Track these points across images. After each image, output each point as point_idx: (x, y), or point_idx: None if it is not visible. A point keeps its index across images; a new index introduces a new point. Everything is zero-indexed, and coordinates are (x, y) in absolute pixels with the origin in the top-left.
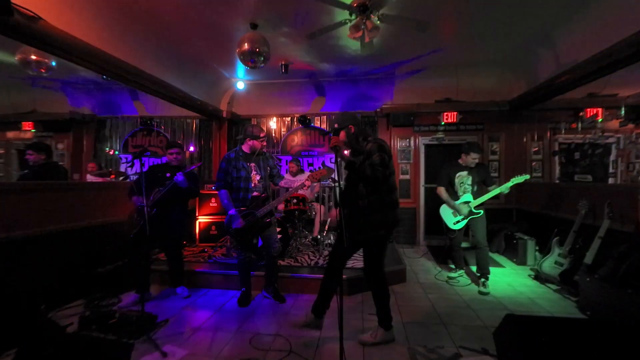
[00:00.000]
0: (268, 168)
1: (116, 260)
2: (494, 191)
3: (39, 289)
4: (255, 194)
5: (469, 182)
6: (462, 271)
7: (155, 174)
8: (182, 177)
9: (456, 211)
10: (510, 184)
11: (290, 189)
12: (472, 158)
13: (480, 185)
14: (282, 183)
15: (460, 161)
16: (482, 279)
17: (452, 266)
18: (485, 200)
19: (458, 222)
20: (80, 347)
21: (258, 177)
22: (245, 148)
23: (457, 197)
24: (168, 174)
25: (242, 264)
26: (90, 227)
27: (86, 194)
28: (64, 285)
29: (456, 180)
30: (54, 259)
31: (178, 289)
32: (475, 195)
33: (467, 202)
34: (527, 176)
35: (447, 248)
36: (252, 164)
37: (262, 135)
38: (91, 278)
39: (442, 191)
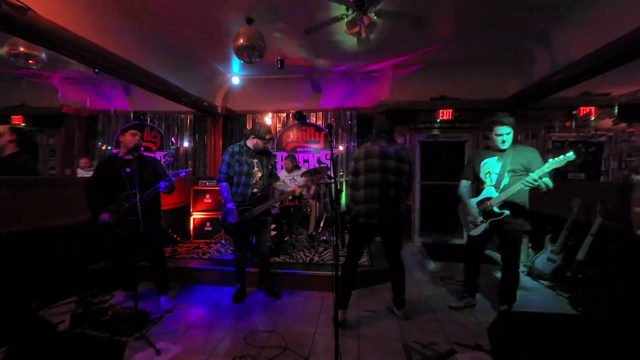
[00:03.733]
0: (269, 167)
1: (109, 257)
2: (519, 184)
3: (30, 286)
4: (255, 190)
5: (497, 170)
6: (470, 299)
7: (114, 171)
8: (165, 184)
9: (468, 212)
10: (547, 169)
11: (282, 195)
12: (497, 134)
13: (518, 176)
14: (275, 185)
15: (489, 144)
16: (506, 306)
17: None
18: (512, 197)
19: (479, 225)
20: (72, 345)
21: (259, 175)
22: (249, 144)
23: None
24: (128, 169)
25: (237, 261)
26: (82, 223)
27: (77, 190)
28: (55, 283)
29: (481, 170)
30: (46, 256)
31: (161, 298)
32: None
33: (487, 199)
34: (571, 154)
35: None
36: (256, 160)
37: (267, 137)
38: (83, 275)
39: (461, 185)
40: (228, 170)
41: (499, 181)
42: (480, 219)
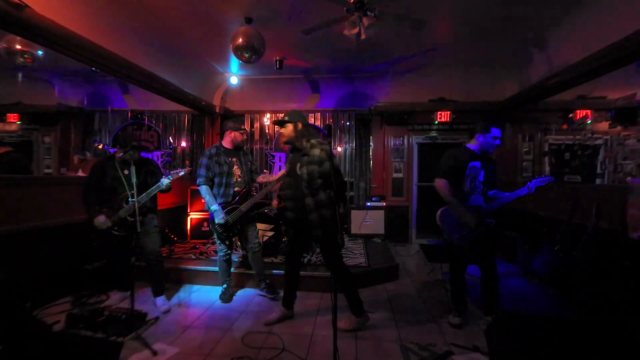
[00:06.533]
0: (248, 163)
1: (104, 256)
2: (510, 195)
3: (25, 286)
4: (237, 189)
5: (481, 178)
6: (465, 310)
7: (109, 173)
8: (167, 181)
9: (462, 218)
10: (533, 187)
11: (269, 185)
12: (494, 137)
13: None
14: (260, 179)
15: (472, 146)
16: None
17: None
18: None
19: (464, 235)
20: (67, 346)
21: (239, 172)
22: (225, 143)
23: (464, 199)
24: (126, 172)
25: (223, 261)
26: (77, 223)
27: (72, 189)
28: (50, 283)
29: (467, 173)
30: (40, 256)
31: (158, 299)
32: (486, 199)
33: (477, 207)
34: (552, 178)
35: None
36: (234, 159)
37: (242, 127)
38: (79, 275)
39: (443, 185)
40: (207, 173)
41: (485, 190)
42: (468, 228)
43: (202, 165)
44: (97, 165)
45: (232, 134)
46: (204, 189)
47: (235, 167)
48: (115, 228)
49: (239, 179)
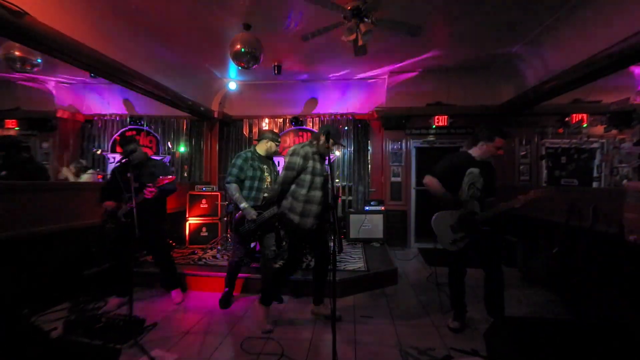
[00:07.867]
0: (275, 173)
1: (102, 262)
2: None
3: (22, 292)
4: (265, 194)
5: (480, 184)
6: (464, 314)
7: (117, 177)
8: (151, 190)
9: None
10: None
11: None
12: (497, 147)
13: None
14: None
15: (473, 152)
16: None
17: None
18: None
19: (457, 240)
20: (65, 353)
21: (269, 179)
22: (260, 150)
23: (461, 205)
24: (129, 174)
25: (234, 265)
26: (75, 229)
27: (70, 195)
28: (48, 289)
29: (465, 179)
30: (38, 262)
31: (172, 292)
32: (483, 206)
33: (473, 213)
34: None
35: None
36: (264, 166)
37: (279, 139)
38: (76, 281)
39: (433, 181)
40: (239, 173)
41: (482, 197)
42: (462, 234)
43: (235, 166)
44: (112, 170)
45: (269, 144)
46: (233, 187)
47: (266, 173)
48: (112, 225)
49: (269, 186)
